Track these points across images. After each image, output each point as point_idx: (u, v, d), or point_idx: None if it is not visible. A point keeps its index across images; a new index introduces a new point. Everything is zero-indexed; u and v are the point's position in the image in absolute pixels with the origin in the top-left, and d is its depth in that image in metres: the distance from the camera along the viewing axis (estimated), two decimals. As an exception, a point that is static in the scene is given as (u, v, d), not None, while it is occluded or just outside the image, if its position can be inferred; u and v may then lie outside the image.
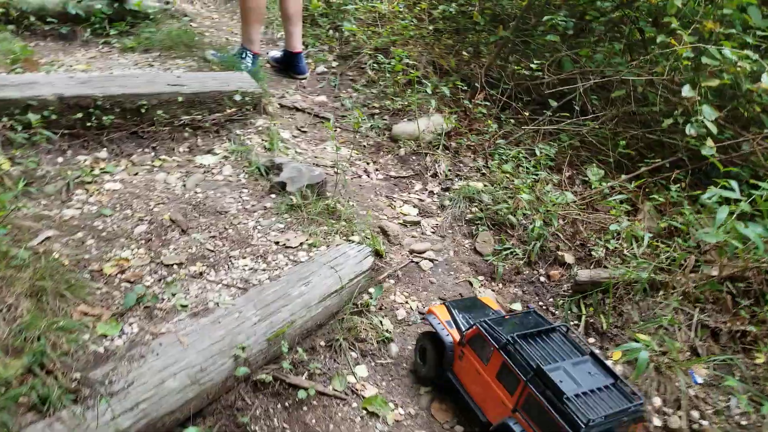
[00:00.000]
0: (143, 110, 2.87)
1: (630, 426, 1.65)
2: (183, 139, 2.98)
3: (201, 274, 2.06)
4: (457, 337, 1.93)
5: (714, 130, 2.46)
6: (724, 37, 2.65)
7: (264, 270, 2.14)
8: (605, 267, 2.42)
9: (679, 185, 2.70)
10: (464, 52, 4.29)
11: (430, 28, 4.77)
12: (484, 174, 3.10)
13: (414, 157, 3.32)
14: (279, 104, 3.63)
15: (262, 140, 3.09)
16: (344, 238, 2.42)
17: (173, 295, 1.93)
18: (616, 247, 2.44)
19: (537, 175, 2.96)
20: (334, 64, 4.28)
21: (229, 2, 5.15)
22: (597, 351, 1.95)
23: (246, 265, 2.15)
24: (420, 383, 2.07)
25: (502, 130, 3.35)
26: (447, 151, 3.33)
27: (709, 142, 2.49)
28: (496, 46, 3.70)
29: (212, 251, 2.21)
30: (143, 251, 2.14)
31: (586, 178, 3.01)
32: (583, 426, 1.50)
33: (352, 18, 4.36)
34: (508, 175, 3.02)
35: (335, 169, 3.07)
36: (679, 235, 2.56)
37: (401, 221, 2.79)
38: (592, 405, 1.58)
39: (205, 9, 4.85)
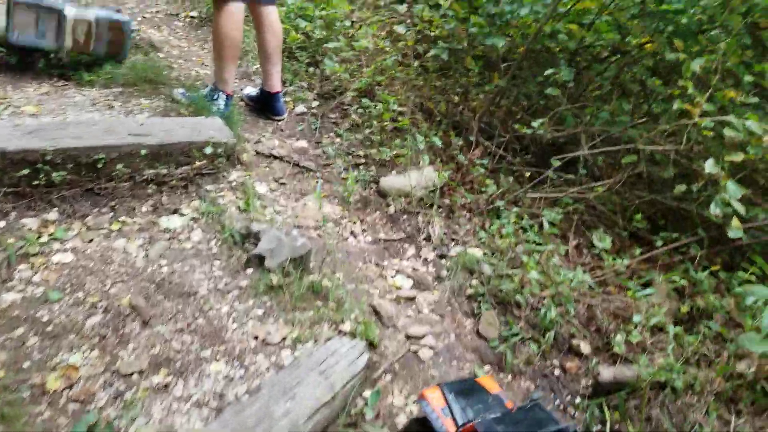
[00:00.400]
0: (100, 165, 2.51)
1: None
2: (146, 196, 2.62)
3: (166, 386, 1.70)
4: (452, 430, 1.65)
5: (741, 210, 2.24)
6: (744, 106, 2.45)
7: (241, 378, 1.80)
8: (628, 361, 2.16)
9: (701, 266, 2.47)
10: (454, 95, 4.03)
11: (415, 64, 4.52)
12: (482, 239, 2.82)
13: (405, 216, 3.02)
14: (255, 151, 3.30)
15: (237, 198, 2.75)
16: (333, 327, 2.10)
17: (132, 420, 1.57)
18: (639, 341, 2.18)
19: (541, 245, 2.69)
20: (315, 104, 3.97)
21: (199, 29, 4.80)
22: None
23: (220, 372, 1.80)
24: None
25: (500, 188, 3.08)
26: (440, 210, 3.04)
27: (735, 222, 2.26)
28: (491, 94, 3.44)
29: (179, 351, 1.85)
30: (96, 354, 1.78)
31: (595, 248, 2.76)
32: None
33: (334, 55, 4.06)
34: (509, 242, 2.75)
35: (319, 233, 2.75)
36: (701, 319, 2.32)
37: (395, 296, 2.48)
38: None
39: (173, 36, 4.49)
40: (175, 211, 2.59)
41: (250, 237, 2.43)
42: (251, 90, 3.80)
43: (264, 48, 3.42)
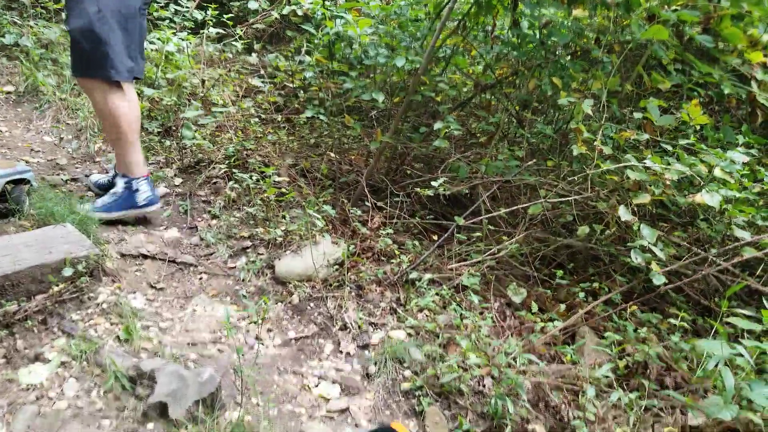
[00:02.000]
0: None
1: None
2: (-7, 345, 2.08)
3: None
4: None
5: (662, 255, 2.22)
6: (643, 146, 2.47)
7: None
8: (590, 439, 2.03)
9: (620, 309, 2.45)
10: (329, 151, 3.79)
11: (279, 118, 4.23)
12: (401, 317, 2.59)
13: (312, 305, 2.71)
14: (119, 254, 2.81)
15: (112, 324, 2.28)
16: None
17: None
18: (596, 415, 2.06)
19: (467, 316, 2.52)
20: (178, 181, 3.52)
21: (19, 106, 4.11)
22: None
23: None
24: None
25: (407, 255, 2.88)
26: (348, 288, 2.77)
27: (656, 267, 2.24)
28: (376, 150, 3.24)
29: None
30: None
31: (518, 309, 2.64)
32: None
33: (192, 124, 3.64)
34: (431, 317, 2.55)
35: (219, 347, 2.36)
36: (638, 373, 2.27)
37: (325, 412, 2.16)
38: None
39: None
40: (36, 358, 2.07)
41: (143, 378, 1.98)
42: (99, 176, 3.26)
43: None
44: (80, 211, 2.66)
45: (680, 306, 2.56)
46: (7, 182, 2.72)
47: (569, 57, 3.16)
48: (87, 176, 3.32)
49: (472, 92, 3.65)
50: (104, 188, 3.19)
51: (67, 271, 2.27)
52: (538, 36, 3.24)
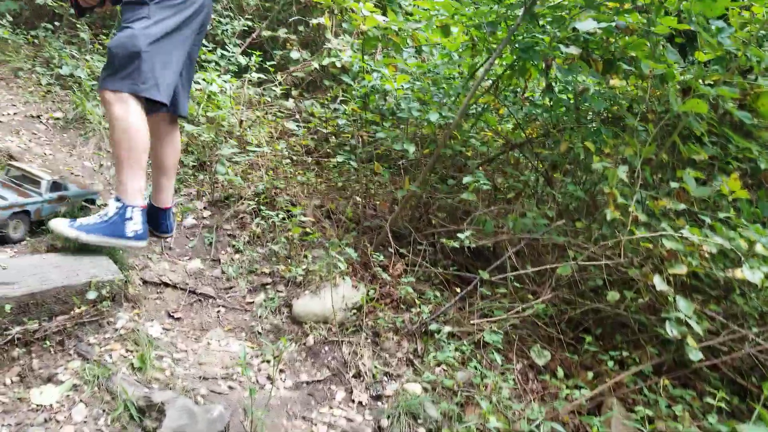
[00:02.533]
0: (-54, 328, 1.96)
1: None
2: (11, 361, 2.08)
3: None
4: None
5: (699, 329, 2.16)
6: (675, 215, 2.45)
7: None
8: None
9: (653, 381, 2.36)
10: (356, 195, 3.82)
11: (309, 160, 4.30)
12: (418, 370, 2.54)
13: (327, 348, 2.67)
14: (142, 280, 2.83)
15: (127, 351, 2.27)
16: None
17: None
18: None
19: (487, 375, 2.45)
20: (206, 213, 3.56)
21: (65, 132, 4.24)
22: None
23: None
24: None
25: (428, 305, 2.85)
26: (365, 334, 2.73)
27: (692, 341, 2.18)
28: (402, 198, 3.26)
29: None
30: None
31: (541, 373, 2.57)
32: None
33: (226, 160, 3.71)
34: (450, 374, 2.49)
35: (230, 383, 2.33)
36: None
37: (334, 461, 2.11)
38: None
39: (34, 142, 3.91)
40: (49, 379, 2.07)
41: (152, 410, 1.96)
42: None
43: (161, 159, 2.89)
44: (54, 227, 2.44)
45: (715, 384, 2.46)
46: (83, 200, 2.98)
47: (601, 122, 3.17)
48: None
49: (502, 149, 3.67)
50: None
51: (91, 294, 2.29)
52: (570, 100, 3.28)
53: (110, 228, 2.49)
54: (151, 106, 2.57)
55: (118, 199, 2.52)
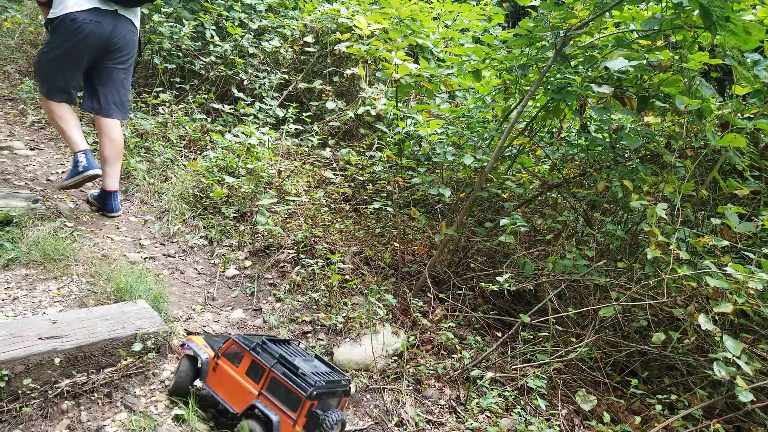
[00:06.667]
0: (2, 383, 2.03)
1: (341, 399, 2.19)
2: (60, 413, 2.14)
3: None
4: (212, 354, 2.28)
5: (748, 369, 2.08)
6: (721, 252, 2.39)
7: None
8: None
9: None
10: (394, 241, 3.85)
11: (347, 207, 4.35)
12: (461, 418, 2.49)
13: (368, 396, 2.66)
14: (186, 331, 2.89)
15: (172, 403, 2.30)
16: None
17: None
18: None
19: (528, 419, 2.40)
20: (247, 263, 3.63)
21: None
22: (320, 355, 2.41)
23: None
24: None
25: (469, 351, 2.82)
26: (406, 382, 2.71)
27: (742, 382, 2.09)
28: (440, 243, 3.26)
29: None
30: None
31: (588, 419, 2.50)
32: (312, 387, 2.03)
33: (266, 210, 3.80)
34: (492, 419, 2.44)
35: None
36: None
37: None
38: (317, 378, 2.08)
39: (82, 200, 4.08)
40: (98, 431, 2.11)
41: (196, 460, 1.98)
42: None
43: (102, 153, 3.71)
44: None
45: (768, 427, 2.35)
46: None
47: (639, 160, 3.15)
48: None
49: (539, 190, 3.66)
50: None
51: (137, 346, 2.35)
52: (606, 139, 3.26)
53: (74, 170, 3.55)
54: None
55: (73, 153, 3.60)
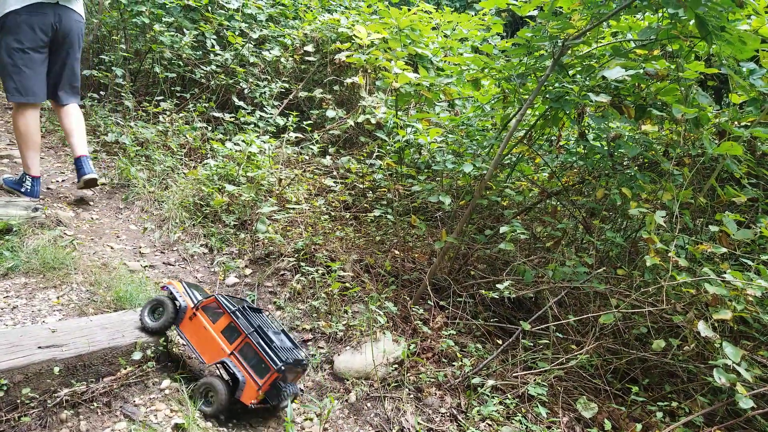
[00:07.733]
0: (2, 391, 2.03)
1: (298, 374, 2.53)
2: (59, 423, 2.13)
3: None
4: (191, 304, 2.48)
5: (748, 377, 2.08)
6: (719, 259, 2.39)
7: None
8: None
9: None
10: (394, 248, 3.85)
11: (347, 216, 4.36)
12: (463, 427, 2.49)
13: (369, 404, 2.66)
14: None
15: (172, 411, 2.30)
16: None
17: None
18: None
19: (529, 426, 2.40)
20: (248, 271, 3.64)
21: (112, 197, 4.44)
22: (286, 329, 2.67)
23: None
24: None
25: (470, 358, 2.82)
26: (407, 390, 2.71)
27: (741, 389, 2.09)
28: (439, 251, 3.27)
29: None
30: None
31: (589, 427, 2.49)
32: (282, 362, 2.32)
33: (266, 218, 3.81)
34: (493, 426, 2.44)
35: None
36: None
37: None
38: (285, 353, 2.37)
39: (82, 208, 4.10)
40: (96, 441, 2.11)
41: (197, 469, 1.98)
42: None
43: (65, 128, 4.02)
44: None
45: (769, 433, 2.35)
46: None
47: (637, 168, 3.16)
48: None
49: (538, 198, 3.68)
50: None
51: (137, 355, 2.35)
52: (605, 147, 3.28)
53: (15, 187, 3.84)
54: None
55: (23, 172, 3.87)
